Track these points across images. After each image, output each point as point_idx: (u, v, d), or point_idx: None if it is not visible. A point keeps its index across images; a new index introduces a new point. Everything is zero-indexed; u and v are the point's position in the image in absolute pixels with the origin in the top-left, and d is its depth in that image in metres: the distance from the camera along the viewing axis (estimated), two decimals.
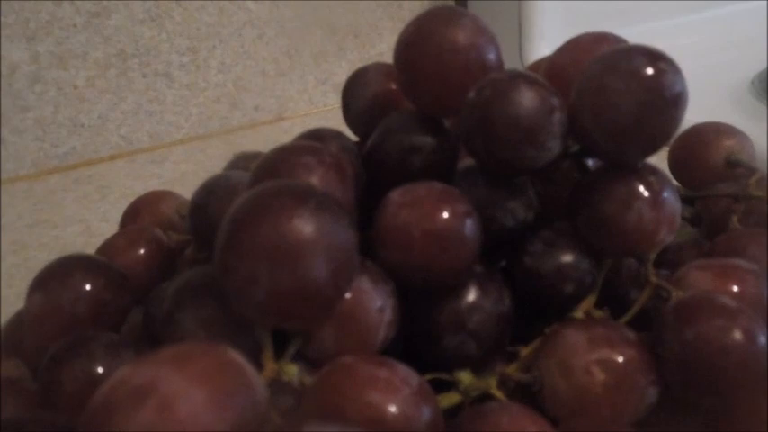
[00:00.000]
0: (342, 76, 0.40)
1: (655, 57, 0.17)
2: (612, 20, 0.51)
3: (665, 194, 0.18)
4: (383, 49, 0.58)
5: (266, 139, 0.51)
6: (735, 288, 0.18)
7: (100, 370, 0.18)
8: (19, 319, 0.23)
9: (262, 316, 0.15)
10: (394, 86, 0.23)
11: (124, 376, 0.12)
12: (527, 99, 0.18)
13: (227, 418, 0.12)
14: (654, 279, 0.19)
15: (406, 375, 0.15)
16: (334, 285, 0.15)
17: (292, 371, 0.14)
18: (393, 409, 0.14)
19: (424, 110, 0.21)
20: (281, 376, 0.14)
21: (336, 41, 0.55)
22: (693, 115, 0.26)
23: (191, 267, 0.21)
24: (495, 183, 0.19)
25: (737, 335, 0.16)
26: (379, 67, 0.24)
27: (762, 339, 0.16)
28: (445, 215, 0.18)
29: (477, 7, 0.58)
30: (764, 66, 0.53)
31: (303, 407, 0.15)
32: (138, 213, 0.28)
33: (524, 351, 0.19)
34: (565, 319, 0.19)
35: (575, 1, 0.55)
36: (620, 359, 0.17)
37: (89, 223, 0.41)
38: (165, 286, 0.22)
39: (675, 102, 0.17)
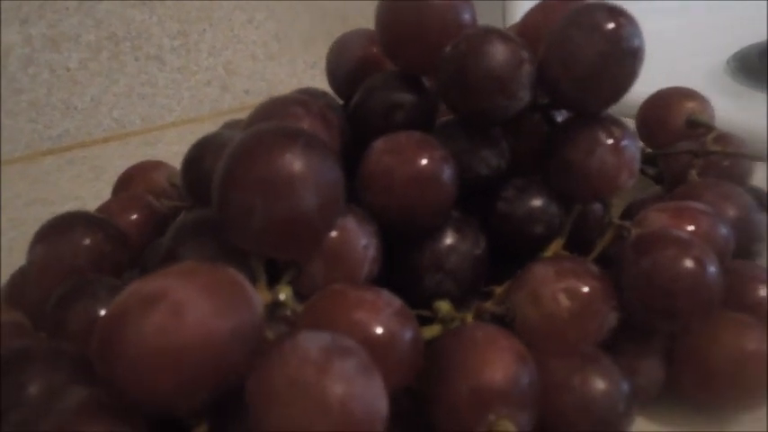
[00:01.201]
0: None
1: (615, 12, 0.19)
2: None
3: (625, 142, 0.20)
4: None
5: None
6: (690, 227, 0.20)
7: (103, 311, 0.19)
8: (21, 275, 0.24)
9: (257, 245, 0.16)
10: (376, 50, 0.24)
11: (135, 288, 0.13)
12: (499, 52, 0.19)
13: (229, 325, 0.13)
14: (616, 220, 0.20)
15: (388, 298, 0.16)
16: (322, 217, 0.16)
17: (287, 291, 0.16)
18: (379, 326, 0.15)
19: (405, 69, 0.22)
20: (277, 296, 0.16)
21: (325, 26, 0.57)
22: None
23: None
24: (470, 134, 0.21)
25: (689, 263, 0.18)
26: (361, 32, 0.25)
27: (712, 268, 0.18)
28: (424, 160, 0.19)
29: None
30: (739, 47, 0.55)
31: (296, 329, 0.16)
32: (131, 180, 0.29)
33: (498, 290, 0.20)
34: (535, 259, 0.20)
35: None
36: (585, 288, 0.18)
37: (84, 201, 0.42)
38: (161, 240, 0.23)
39: (633, 53, 0.19)
